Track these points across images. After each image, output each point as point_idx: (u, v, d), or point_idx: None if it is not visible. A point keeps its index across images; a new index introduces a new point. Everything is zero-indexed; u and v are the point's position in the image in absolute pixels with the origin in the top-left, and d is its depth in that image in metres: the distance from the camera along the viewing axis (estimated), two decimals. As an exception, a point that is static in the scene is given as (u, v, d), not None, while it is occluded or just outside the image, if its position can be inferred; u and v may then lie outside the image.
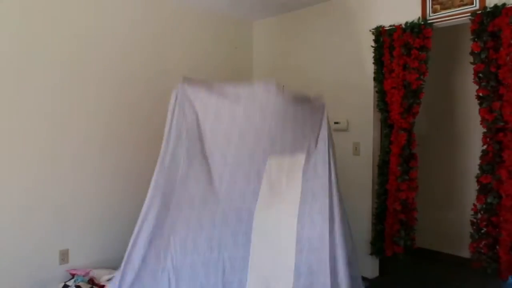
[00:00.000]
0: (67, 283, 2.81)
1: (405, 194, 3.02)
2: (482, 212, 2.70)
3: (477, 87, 2.68)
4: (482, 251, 2.70)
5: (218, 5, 3.64)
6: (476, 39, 2.65)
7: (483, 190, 2.69)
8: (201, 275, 2.35)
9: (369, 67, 3.22)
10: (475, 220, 2.73)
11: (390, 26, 3.07)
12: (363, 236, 3.35)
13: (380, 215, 3.21)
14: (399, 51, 2.96)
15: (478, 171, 2.71)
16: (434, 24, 2.91)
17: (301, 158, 2.47)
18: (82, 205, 3.00)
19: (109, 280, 2.77)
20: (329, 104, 3.53)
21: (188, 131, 2.39)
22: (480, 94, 2.66)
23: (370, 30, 3.20)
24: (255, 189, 2.44)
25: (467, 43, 2.77)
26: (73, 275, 2.87)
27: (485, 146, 2.67)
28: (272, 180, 2.47)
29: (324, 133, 2.51)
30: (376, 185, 3.26)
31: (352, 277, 2.39)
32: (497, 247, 2.64)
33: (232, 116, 2.39)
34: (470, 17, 2.69)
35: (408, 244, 3.09)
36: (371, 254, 3.29)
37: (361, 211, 3.36)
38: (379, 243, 3.21)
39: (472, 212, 2.75)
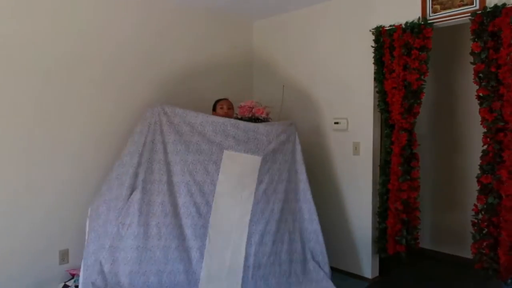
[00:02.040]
0: (67, 283, 2.81)
1: (406, 194, 3.02)
2: (483, 212, 2.70)
3: (477, 87, 2.68)
4: (484, 251, 2.70)
5: (218, 5, 3.64)
6: (476, 39, 2.65)
7: (484, 190, 2.68)
8: (148, 261, 2.57)
9: (369, 67, 3.22)
10: (476, 221, 2.73)
11: (390, 26, 3.07)
12: (364, 236, 3.35)
13: (382, 214, 3.21)
14: (399, 51, 2.96)
15: (478, 171, 2.71)
16: (434, 24, 2.91)
17: (257, 160, 2.89)
18: (82, 205, 3.00)
19: None
20: (330, 104, 3.56)
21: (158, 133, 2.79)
22: (480, 94, 2.66)
23: (370, 30, 3.20)
24: (213, 180, 2.78)
25: (467, 43, 2.78)
26: (73, 275, 2.87)
27: (485, 146, 2.67)
28: (228, 174, 2.81)
29: (287, 148, 3.04)
30: (376, 185, 3.26)
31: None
32: (498, 247, 2.64)
33: (195, 115, 2.84)
34: (470, 17, 2.69)
35: (412, 243, 3.09)
36: (376, 252, 3.31)
37: (361, 211, 3.36)
38: (382, 242, 3.22)
39: (473, 213, 2.75)
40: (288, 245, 2.93)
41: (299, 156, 3.11)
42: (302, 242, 2.99)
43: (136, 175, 2.65)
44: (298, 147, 3.13)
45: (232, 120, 2.94)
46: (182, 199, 2.72)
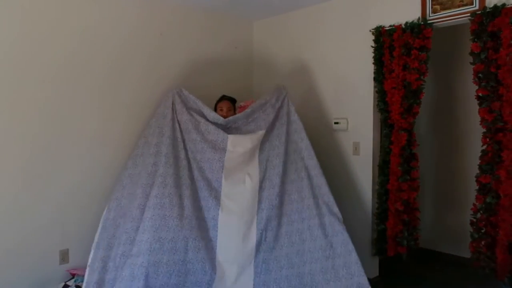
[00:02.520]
0: (67, 283, 2.81)
1: (406, 194, 3.02)
2: (481, 212, 2.70)
3: (476, 87, 2.68)
4: (482, 250, 2.71)
5: (218, 5, 3.64)
6: (476, 40, 2.65)
7: (483, 190, 2.69)
8: (174, 228, 2.70)
9: (369, 67, 3.23)
10: (475, 220, 2.74)
11: (390, 26, 3.07)
12: (363, 236, 3.35)
13: (381, 215, 3.20)
14: (399, 51, 2.96)
15: (477, 171, 2.72)
16: (434, 24, 2.91)
17: (260, 134, 3.04)
18: (82, 205, 3.01)
19: None
20: (329, 104, 3.57)
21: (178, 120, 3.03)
22: (480, 94, 2.66)
23: (370, 30, 3.20)
24: (221, 158, 2.92)
25: (467, 43, 2.78)
26: (73, 275, 2.87)
27: (484, 146, 2.68)
28: (234, 151, 2.94)
29: (281, 112, 3.15)
30: (376, 185, 3.26)
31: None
32: (496, 247, 2.65)
33: (203, 107, 3.05)
34: (470, 17, 2.70)
35: (412, 244, 3.09)
36: (374, 255, 3.30)
37: (361, 211, 3.37)
38: (381, 244, 3.21)
39: (472, 212, 2.75)
40: (298, 204, 2.93)
41: (294, 117, 3.13)
42: (315, 197, 2.95)
43: (159, 152, 2.86)
44: (292, 108, 3.16)
45: (231, 118, 3.07)
46: (196, 174, 2.91)
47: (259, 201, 2.88)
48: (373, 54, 3.17)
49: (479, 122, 2.69)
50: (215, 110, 3.24)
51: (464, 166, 3.83)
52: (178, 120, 2.99)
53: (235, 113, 3.26)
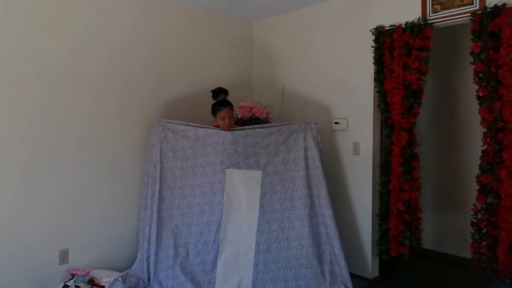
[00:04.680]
0: (67, 283, 2.80)
1: (408, 194, 3.01)
2: (482, 212, 2.70)
3: (477, 87, 2.68)
4: (483, 251, 2.70)
5: (218, 5, 3.64)
6: (476, 39, 2.64)
7: (483, 190, 2.69)
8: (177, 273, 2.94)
9: (369, 67, 3.22)
10: (475, 220, 2.73)
11: (390, 26, 3.07)
12: (364, 236, 3.35)
13: (383, 215, 3.20)
14: (399, 51, 2.96)
15: (478, 171, 2.71)
16: (434, 24, 2.91)
17: (258, 174, 3.00)
18: (82, 205, 3.00)
19: (108, 281, 2.84)
20: (330, 104, 3.56)
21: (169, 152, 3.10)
22: (480, 94, 2.66)
23: (370, 30, 3.20)
24: (220, 200, 2.96)
25: (467, 43, 2.78)
26: (73, 275, 2.87)
27: (485, 146, 2.67)
28: (232, 191, 2.97)
29: (290, 157, 3.07)
30: (377, 185, 3.26)
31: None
32: (497, 247, 2.64)
33: (195, 134, 3.06)
34: (470, 17, 2.69)
35: (414, 244, 3.08)
36: (377, 255, 3.29)
37: (361, 211, 3.36)
38: (384, 244, 3.19)
39: (472, 212, 2.75)
40: (297, 251, 2.93)
41: (311, 162, 3.06)
42: (318, 247, 2.97)
43: (154, 183, 3.07)
44: (310, 153, 3.06)
45: (230, 138, 3.00)
46: (195, 219, 3.01)
47: (257, 244, 2.91)
48: (373, 54, 3.16)
49: (480, 122, 2.69)
50: (214, 113, 3.12)
51: (465, 166, 3.83)
52: (172, 168, 3.09)
53: (235, 113, 3.24)
